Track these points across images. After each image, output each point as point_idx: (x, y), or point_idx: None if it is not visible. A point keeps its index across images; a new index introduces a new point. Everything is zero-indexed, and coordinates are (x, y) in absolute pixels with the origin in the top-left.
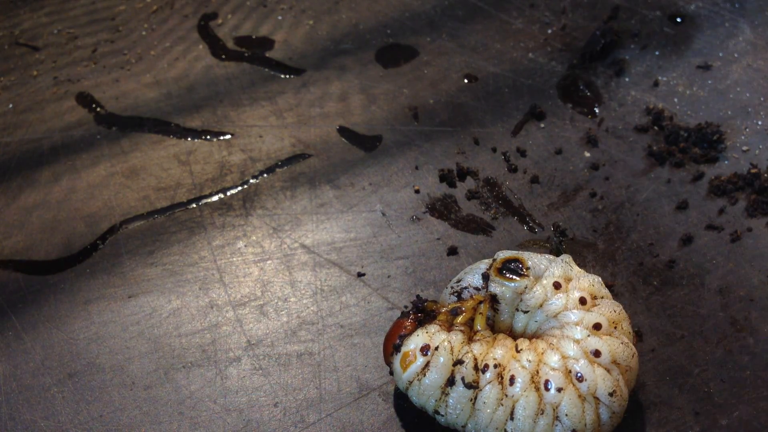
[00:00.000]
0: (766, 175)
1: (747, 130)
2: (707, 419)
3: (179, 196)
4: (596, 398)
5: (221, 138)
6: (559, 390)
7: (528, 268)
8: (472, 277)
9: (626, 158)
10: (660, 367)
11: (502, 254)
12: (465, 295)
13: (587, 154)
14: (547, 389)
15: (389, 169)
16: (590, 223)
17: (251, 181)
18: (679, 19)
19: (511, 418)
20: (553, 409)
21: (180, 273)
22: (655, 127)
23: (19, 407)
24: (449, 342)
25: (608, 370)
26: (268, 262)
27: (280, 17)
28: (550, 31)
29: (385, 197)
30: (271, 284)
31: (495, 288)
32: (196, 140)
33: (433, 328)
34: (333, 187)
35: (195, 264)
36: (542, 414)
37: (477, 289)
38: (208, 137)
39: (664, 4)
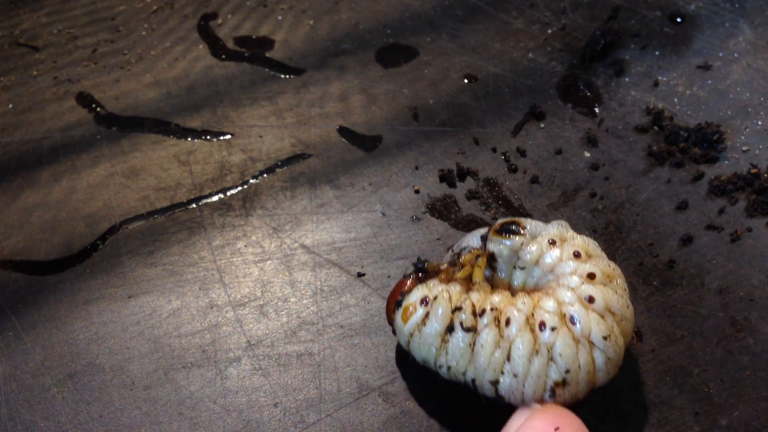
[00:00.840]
0: (766, 175)
1: (747, 130)
2: (707, 419)
3: (179, 196)
4: (591, 342)
5: (221, 138)
6: (553, 329)
7: (524, 228)
8: (472, 239)
9: (626, 158)
10: (660, 367)
11: (501, 220)
12: (464, 255)
13: (587, 154)
14: (541, 330)
15: (389, 169)
16: (590, 223)
17: (251, 181)
18: (679, 19)
19: (508, 360)
20: (548, 350)
21: (180, 273)
22: (655, 127)
23: (19, 407)
24: (447, 292)
25: (602, 316)
26: (268, 262)
27: (280, 17)
28: (550, 31)
29: (385, 197)
30: (271, 284)
31: (492, 246)
32: (196, 140)
33: (432, 282)
34: (333, 187)
35: (195, 264)
36: (537, 354)
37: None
38: (208, 137)
39: (664, 4)
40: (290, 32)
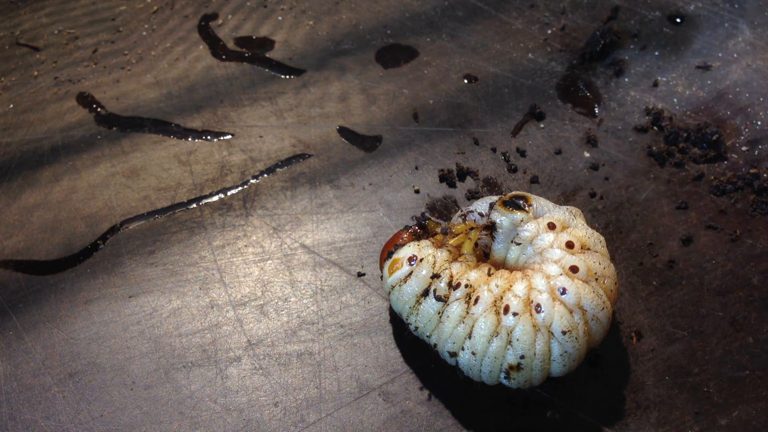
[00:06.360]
0: (765, 175)
1: (747, 130)
2: (707, 419)
3: (179, 196)
4: (550, 332)
5: (221, 138)
6: (515, 315)
7: (530, 206)
8: (482, 203)
9: (626, 158)
10: (660, 367)
11: (514, 192)
12: (470, 218)
13: (587, 154)
14: (505, 313)
15: (389, 169)
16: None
17: (251, 181)
18: (678, 20)
19: (470, 337)
20: (508, 333)
21: (180, 273)
22: (655, 128)
23: (19, 407)
24: (434, 257)
25: (570, 311)
26: (269, 262)
27: (280, 18)
28: (549, 32)
29: (385, 197)
30: (272, 284)
31: (495, 216)
32: (196, 140)
33: (424, 242)
34: (333, 187)
35: (195, 264)
36: (497, 336)
37: (481, 215)
38: (209, 137)
39: (663, 5)
40: (290, 32)
